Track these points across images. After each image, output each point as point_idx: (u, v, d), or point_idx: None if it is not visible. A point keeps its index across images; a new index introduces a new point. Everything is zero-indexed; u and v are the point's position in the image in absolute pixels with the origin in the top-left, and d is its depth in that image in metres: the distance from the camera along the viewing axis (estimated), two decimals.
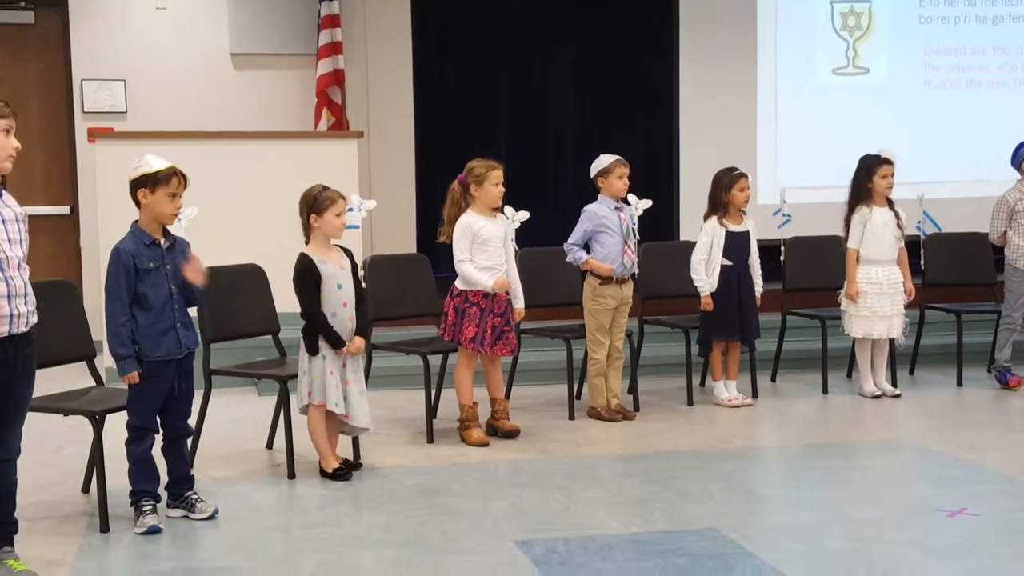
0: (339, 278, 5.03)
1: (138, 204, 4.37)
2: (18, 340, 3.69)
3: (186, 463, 4.62)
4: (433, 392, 6.04)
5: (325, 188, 5.06)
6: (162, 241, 4.39)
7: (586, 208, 6.25)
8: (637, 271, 6.46)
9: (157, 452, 4.48)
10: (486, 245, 5.66)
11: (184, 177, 4.39)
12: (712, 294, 6.49)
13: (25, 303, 3.70)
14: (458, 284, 5.70)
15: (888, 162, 6.68)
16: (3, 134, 3.66)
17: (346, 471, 5.06)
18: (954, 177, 9.67)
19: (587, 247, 6.20)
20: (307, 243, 5.06)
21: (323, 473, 5.07)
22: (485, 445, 5.68)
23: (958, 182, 9.65)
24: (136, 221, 4.39)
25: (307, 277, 4.96)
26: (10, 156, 3.69)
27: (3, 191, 3.76)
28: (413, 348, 5.95)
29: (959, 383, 7.20)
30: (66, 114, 8.74)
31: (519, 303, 5.83)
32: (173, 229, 4.49)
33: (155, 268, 4.33)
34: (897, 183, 6.74)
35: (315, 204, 5.00)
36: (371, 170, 8.84)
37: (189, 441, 4.71)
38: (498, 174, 5.68)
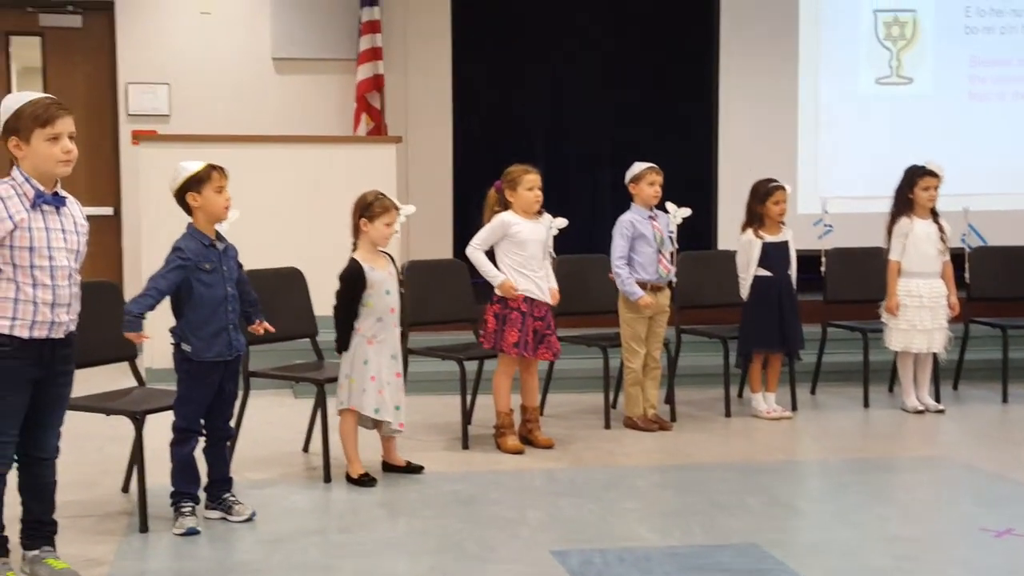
0: (387, 284, 5.05)
1: (189, 211, 4.40)
2: (56, 342, 3.71)
3: (226, 465, 4.63)
4: (469, 398, 6.03)
5: (381, 195, 5.08)
6: (217, 244, 4.42)
7: (619, 219, 6.21)
8: (675, 280, 6.42)
9: (198, 453, 4.50)
10: (523, 247, 5.63)
11: (222, 169, 4.43)
12: (751, 305, 6.45)
13: (68, 312, 3.72)
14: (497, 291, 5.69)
15: (931, 174, 6.59)
16: (49, 142, 3.64)
17: (371, 478, 5.06)
18: (999, 189, 9.56)
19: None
20: (354, 246, 5.07)
21: (349, 479, 5.07)
22: (520, 453, 5.66)
23: (1003, 194, 9.54)
24: (191, 223, 4.42)
25: (352, 284, 4.99)
26: (61, 161, 3.66)
27: (68, 199, 3.77)
28: (449, 354, 5.94)
29: (1004, 399, 7.10)
30: (111, 116, 8.84)
31: (552, 283, 5.78)
32: (221, 227, 4.51)
33: (213, 270, 4.36)
34: (941, 195, 6.65)
35: (368, 209, 5.02)
36: (409, 175, 8.86)
37: (229, 443, 4.72)
38: (532, 178, 5.65)
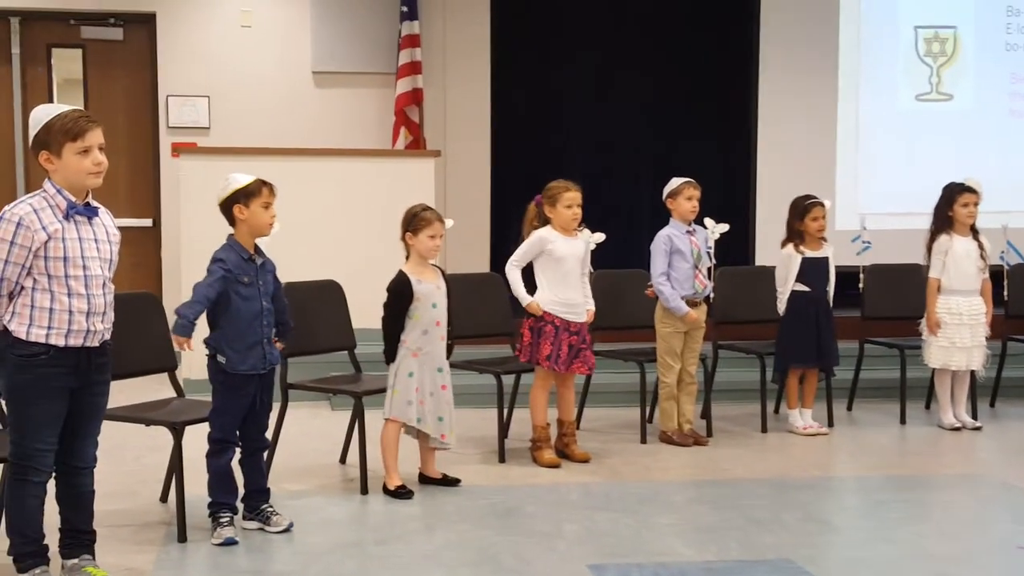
0: (434, 297, 5.08)
1: (232, 222, 4.45)
2: (92, 351, 3.75)
3: (263, 475, 4.67)
4: (505, 412, 6.04)
5: (426, 208, 5.12)
6: (256, 258, 4.46)
7: (657, 235, 6.21)
8: (713, 295, 6.42)
9: (235, 464, 4.54)
10: (560, 263, 5.65)
11: (272, 186, 4.47)
12: (789, 320, 6.45)
13: (103, 321, 3.76)
14: None
15: (970, 190, 6.57)
16: (80, 155, 3.68)
17: (408, 490, 5.08)
18: None
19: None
20: (407, 258, 5.11)
21: (386, 490, 5.10)
22: (557, 466, 5.67)
23: None
24: (231, 235, 4.46)
25: (399, 297, 5.03)
26: (91, 173, 3.71)
27: (99, 209, 3.83)
28: (487, 367, 5.97)
29: None
30: (151, 129, 8.94)
31: (589, 305, 5.80)
32: (261, 241, 4.55)
33: (250, 283, 4.40)
34: (980, 212, 6.62)
35: (412, 223, 5.07)
36: (447, 189, 8.90)
37: (265, 454, 4.76)
38: (572, 196, 5.66)
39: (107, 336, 3.81)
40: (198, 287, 4.37)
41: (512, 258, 5.71)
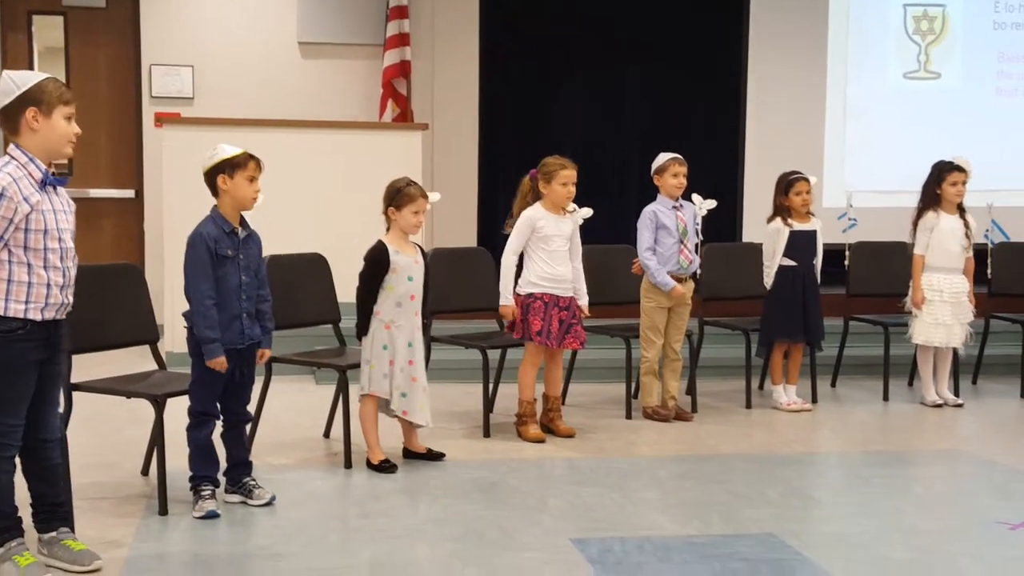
0: (411, 270, 5.06)
1: (216, 192, 4.40)
2: (60, 322, 3.72)
3: (245, 449, 4.65)
4: (491, 386, 6.03)
5: (410, 183, 5.08)
6: (239, 231, 4.42)
7: (643, 211, 6.20)
8: (699, 271, 6.41)
9: (216, 438, 4.52)
10: (548, 242, 5.63)
11: (259, 161, 4.42)
12: (775, 294, 6.45)
13: (72, 293, 3.73)
14: (520, 282, 5.70)
15: (959, 169, 6.59)
16: (66, 121, 3.65)
17: (392, 464, 5.07)
18: (1023, 185, 9.50)
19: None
20: (387, 231, 5.08)
21: (369, 464, 5.08)
22: (542, 441, 5.67)
23: None
24: (215, 206, 4.42)
25: (375, 265, 4.99)
26: (71, 141, 3.68)
27: (63, 180, 3.77)
28: (472, 342, 5.95)
29: (1023, 395, 7.07)
30: (134, 99, 8.87)
31: (583, 300, 5.80)
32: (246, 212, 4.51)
33: (231, 257, 4.36)
34: (966, 191, 6.62)
35: (395, 197, 5.04)
36: (434, 162, 8.86)
37: (248, 427, 4.74)
38: (568, 174, 5.64)
39: (70, 308, 3.77)
40: (195, 286, 4.29)
41: (508, 247, 5.64)
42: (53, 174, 3.67)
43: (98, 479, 4.80)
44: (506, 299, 5.62)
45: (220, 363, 4.30)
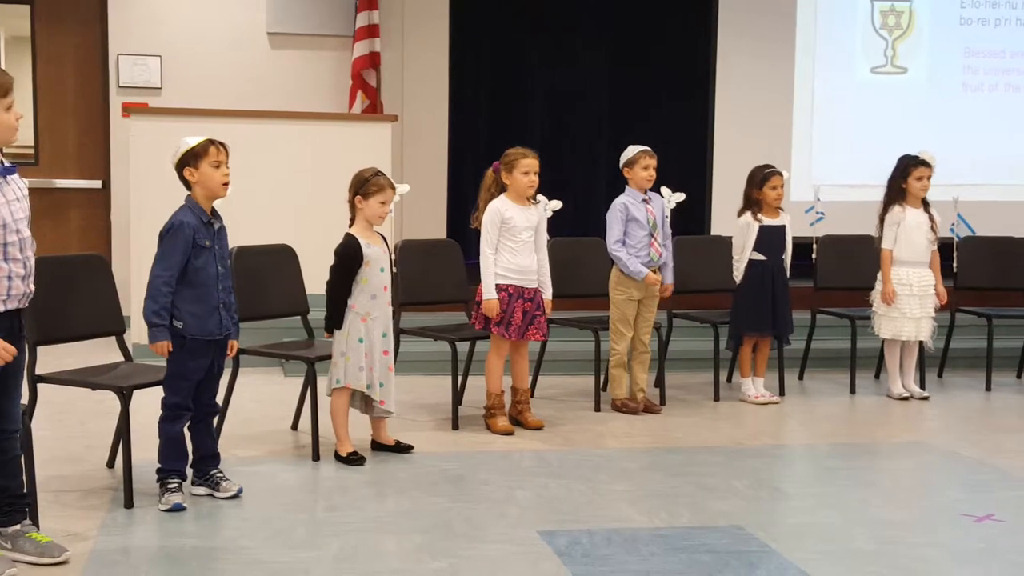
0: (382, 262, 5.06)
1: (189, 186, 4.38)
2: (21, 312, 3.69)
3: (214, 440, 4.63)
4: (460, 379, 6.03)
5: (378, 173, 5.07)
6: (214, 221, 4.41)
7: (614, 202, 6.21)
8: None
9: (184, 430, 4.49)
10: (514, 233, 5.63)
11: (223, 145, 4.40)
12: (744, 289, 6.48)
13: (33, 282, 3.70)
14: None
15: (924, 164, 6.63)
16: (6, 111, 3.58)
17: (360, 457, 5.07)
18: (989, 180, 9.59)
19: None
20: (351, 223, 5.06)
21: (338, 457, 5.07)
22: (510, 433, 5.67)
23: (993, 185, 9.58)
24: (189, 196, 4.39)
25: (349, 259, 4.99)
26: (16, 128, 3.63)
27: (13, 168, 3.73)
28: (441, 334, 5.95)
29: (988, 388, 7.14)
30: (101, 88, 8.78)
31: (547, 293, 5.80)
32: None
33: (208, 248, 4.34)
34: (932, 185, 6.68)
35: (363, 187, 5.02)
36: (404, 154, 8.83)
37: (215, 419, 4.72)
38: (528, 163, 5.63)
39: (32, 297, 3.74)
40: (158, 271, 4.26)
41: (484, 244, 5.60)
42: (1, 163, 3.63)
43: (63, 472, 4.76)
44: (490, 293, 5.60)
45: (162, 347, 4.27)
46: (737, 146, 9.22)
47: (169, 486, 4.37)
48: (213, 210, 4.43)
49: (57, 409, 5.49)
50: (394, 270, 5.24)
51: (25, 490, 3.85)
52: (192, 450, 4.54)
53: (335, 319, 5.04)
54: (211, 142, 4.38)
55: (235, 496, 4.50)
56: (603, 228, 6.22)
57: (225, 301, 4.44)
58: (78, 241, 8.62)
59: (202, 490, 4.53)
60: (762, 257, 6.46)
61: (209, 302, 4.36)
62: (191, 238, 4.29)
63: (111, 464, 4.87)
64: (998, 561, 4.02)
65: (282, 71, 8.90)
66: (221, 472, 4.57)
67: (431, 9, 9.15)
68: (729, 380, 7.09)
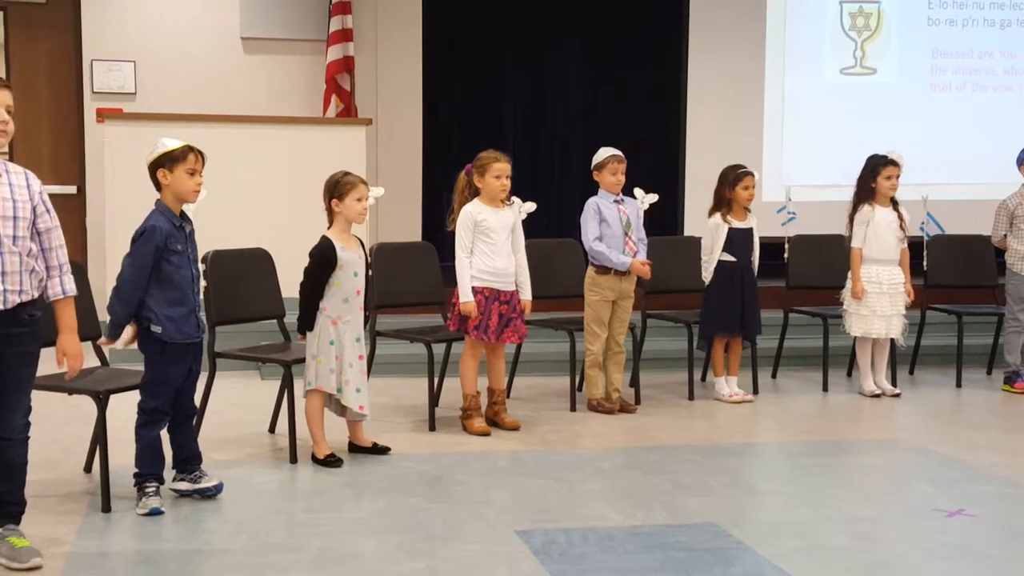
0: (356, 266, 5.09)
1: (159, 187, 4.40)
2: (3, 318, 3.66)
3: (195, 440, 4.65)
4: (436, 380, 6.06)
5: (347, 173, 5.11)
6: (185, 225, 4.42)
7: (588, 202, 6.25)
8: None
9: (162, 433, 4.50)
10: (489, 235, 5.66)
11: (201, 154, 4.42)
12: (714, 289, 6.54)
13: (4, 281, 3.66)
14: None
15: (893, 163, 6.71)
16: (4, 110, 3.62)
17: (337, 459, 5.09)
18: (958, 179, 9.68)
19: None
20: (330, 226, 5.09)
21: (315, 459, 5.09)
22: (487, 434, 5.70)
23: (962, 184, 9.66)
24: (159, 200, 4.41)
25: (323, 262, 5.01)
26: (2, 132, 3.64)
27: (8, 167, 3.73)
28: (417, 336, 5.97)
29: (958, 384, 7.22)
30: (75, 94, 8.75)
31: (526, 295, 5.84)
32: (188, 207, 4.50)
33: (180, 251, 4.36)
34: (901, 184, 6.76)
35: (336, 188, 5.05)
36: (378, 158, 8.84)
37: (192, 421, 4.72)
38: (501, 167, 5.65)
39: (15, 299, 3.69)
40: (131, 273, 4.29)
41: (459, 248, 5.62)
42: None
43: (40, 477, 4.74)
44: (467, 297, 5.63)
45: (121, 341, 4.31)
46: (709, 147, 9.28)
47: (147, 490, 4.38)
48: (183, 213, 4.45)
49: (33, 414, 5.47)
50: (369, 274, 5.26)
51: (18, 497, 3.87)
52: (175, 452, 4.55)
53: (307, 320, 5.06)
54: (191, 149, 4.39)
55: (215, 489, 4.52)
56: (577, 229, 6.26)
57: (199, 303, 4.47)
58: None
59: (183, 485, 4.53)
60: (731, 258, 6.52)
61: (186, 304, 4.38)
62: (164, 243, 4.30)
63: (88, 469, 4.87)
64: (970, 555, 4.09)
65: (256, 75, 8.90)
66: (202, 471, 4.59)
67: (404, 13, 9.17)
68: (703, 379, 7.14)
